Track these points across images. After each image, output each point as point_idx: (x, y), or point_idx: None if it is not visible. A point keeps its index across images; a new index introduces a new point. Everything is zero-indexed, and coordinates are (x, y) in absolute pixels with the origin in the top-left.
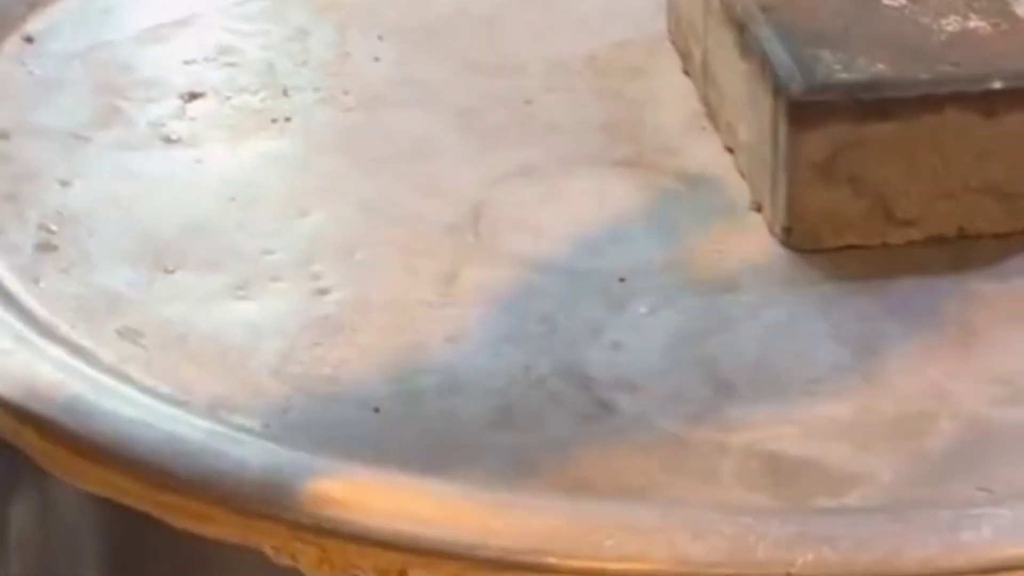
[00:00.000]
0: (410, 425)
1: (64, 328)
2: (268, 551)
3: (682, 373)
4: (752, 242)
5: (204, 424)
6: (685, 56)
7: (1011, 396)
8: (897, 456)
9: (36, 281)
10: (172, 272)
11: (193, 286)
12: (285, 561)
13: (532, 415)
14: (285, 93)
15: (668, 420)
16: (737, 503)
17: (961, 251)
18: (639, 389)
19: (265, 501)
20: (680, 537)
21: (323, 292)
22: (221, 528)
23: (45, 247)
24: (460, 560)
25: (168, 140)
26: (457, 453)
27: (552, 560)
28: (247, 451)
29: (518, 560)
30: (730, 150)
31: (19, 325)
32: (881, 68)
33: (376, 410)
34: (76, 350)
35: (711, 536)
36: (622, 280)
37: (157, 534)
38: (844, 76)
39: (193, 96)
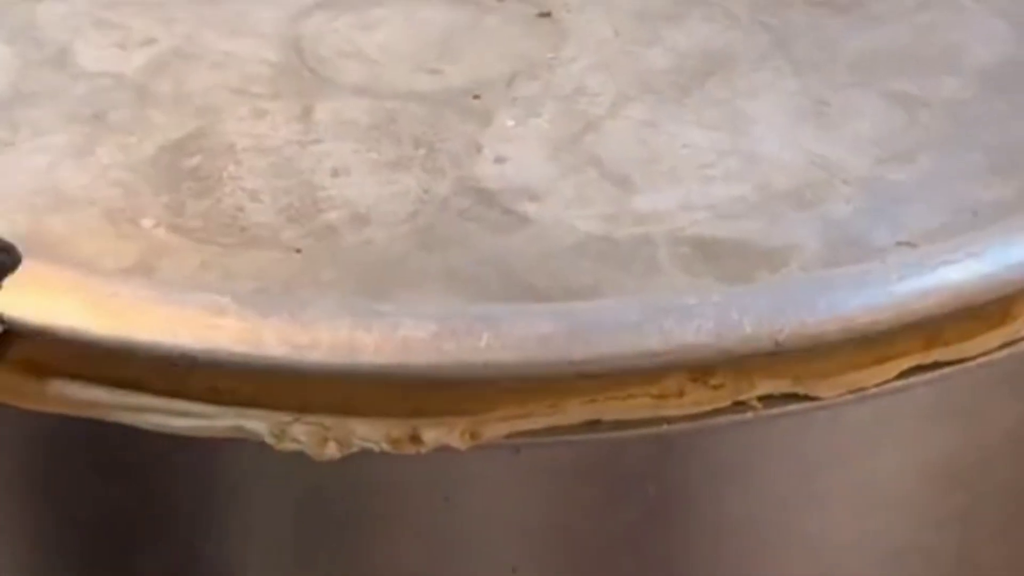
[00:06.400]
0: (337, 261)
1: None
2: (269, 439)
3: (575, 176)
4: (584, 45)
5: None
6: None
7: (885, 157)
8: (812, 225)
9: None
10: (11, 144)
11: (37, 152)
12: (287, 447)
13: (450, 235)
14: None
15: (584, 221)
16: (689, 288)
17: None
18: (542, 196)
19: (260, 382)
20: (668, 323)
21: (180, 145)
22: (209, 423)
23: None
24: (471, 400)
25: None
26: (394, 280)
27: (578, 361)
28: (217, 329)
29: (540, 373)
30: None
31: None
32: None
33: (298, 251)
34: None
35: (696, 319)
36: (476, 97)
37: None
38: None
39: None
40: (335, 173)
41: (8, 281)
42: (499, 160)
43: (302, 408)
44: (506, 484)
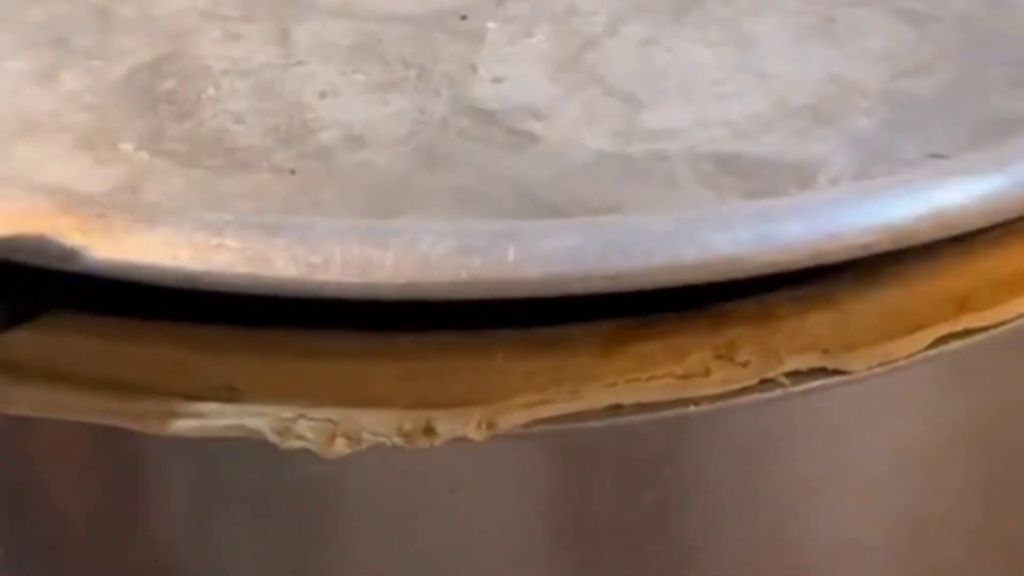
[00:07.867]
0: (335, 181)
1: None
2: (272, 438)
3: (580, 94)
4: None
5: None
6: None
7: (900, 71)
8: (836, 140)
9: None
10: None
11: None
12: (292, 444)
13: (454, 154)
14: None
15: (595, 139)
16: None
17: None
18: (547, 116)
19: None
20: (705, 233)
21: (152, 68)
22: (208, 423)
23: None
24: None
25: None
26: (400, 200)
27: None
28: (220, 249)
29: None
30: None
31: None
32: None
33: (292, 172)
34: None
35: (734, 229)
36: (464, 18)
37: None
38: None
39: None
40: (323, 95)
41: None
42: (497, 80)
43: (306, 402)
44: (515, 473)
